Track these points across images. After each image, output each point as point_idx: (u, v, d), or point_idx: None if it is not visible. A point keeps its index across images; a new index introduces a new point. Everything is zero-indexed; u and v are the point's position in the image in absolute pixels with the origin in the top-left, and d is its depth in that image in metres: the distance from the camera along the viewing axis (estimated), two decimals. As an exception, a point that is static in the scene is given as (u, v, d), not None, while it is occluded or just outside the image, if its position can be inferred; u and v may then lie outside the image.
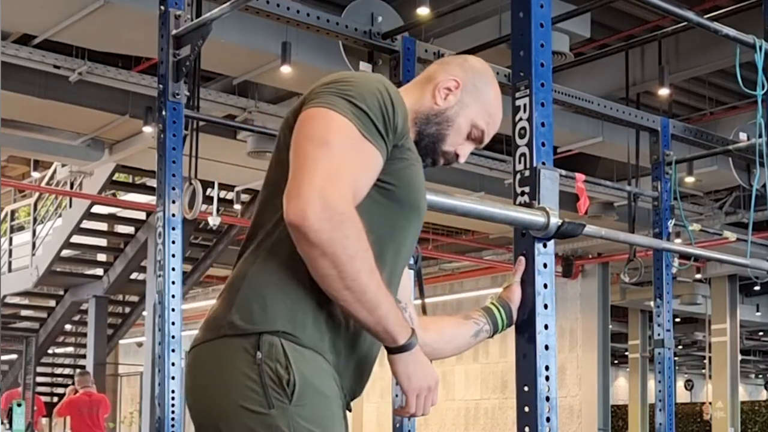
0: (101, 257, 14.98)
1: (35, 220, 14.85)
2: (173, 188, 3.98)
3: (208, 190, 11.91)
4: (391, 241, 1.99)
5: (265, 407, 1.83)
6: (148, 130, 8.65)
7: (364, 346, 2.00)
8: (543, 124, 2.30)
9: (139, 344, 19.13)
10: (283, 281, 1.89)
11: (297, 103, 1.97)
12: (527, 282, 2.24)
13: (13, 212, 16.29)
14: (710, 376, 17.99)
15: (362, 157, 1.86)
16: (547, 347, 2.21)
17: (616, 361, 27.88)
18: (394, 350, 1.89)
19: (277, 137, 2.01)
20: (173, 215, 3.97)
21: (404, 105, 1.97)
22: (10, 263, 15.40)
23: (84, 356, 15.36)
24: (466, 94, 2.11)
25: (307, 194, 1.77)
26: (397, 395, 4.72)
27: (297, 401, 1.84)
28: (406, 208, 2.00)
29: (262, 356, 1.84)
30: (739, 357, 16.79)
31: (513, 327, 2.25)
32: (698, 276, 16.14)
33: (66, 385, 17.45)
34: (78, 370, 13.42)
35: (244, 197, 12.98)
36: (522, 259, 2.24)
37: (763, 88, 3.75)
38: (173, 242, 3.96)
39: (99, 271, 14.61)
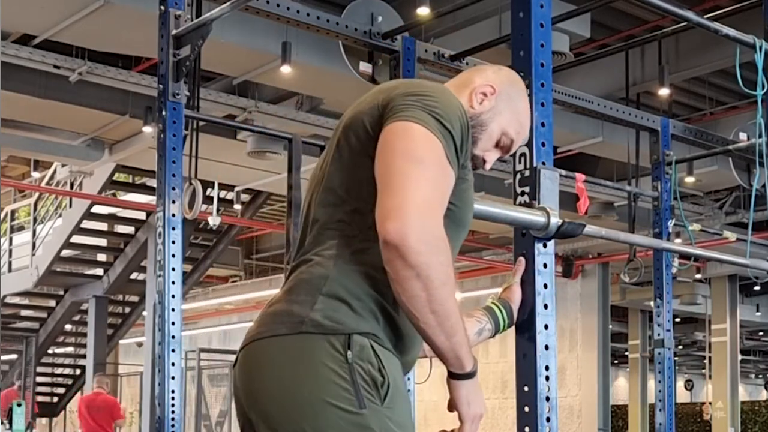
0: (101, 257, 14.97)
1: (35, 220, 14.85)
2: (173, 188, 3.98)
3: (208, 190, 11.90)
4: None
5: (356, 407, 1.82)
6: (148, 130, 8.65)
7: (413, 353, 2.05)
8: (543, 124, 2.30)
9: (139, 344, 19.14)
10: (368, 286, 1.90)
11: (365, 104, 1.97)
12: (527, 282, 2.24)
13: (13, 212, 16.29)
14: (710, 376, 17.99)
15: (447, 180, 1.89)
16: (547, 347, 2.21)
17: (616, 361, 27.89)
18: (460, 376, 1.96)
19: (336, 138, 2.00)
20: (173, 215, 3.97)
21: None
22: (10, 263, 15.40)
23: (84, 356, 15.35)
24: (500, 100, 2.12)
25: (409, 215, 1.78)
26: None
27: (388, 403, 1.86)
28: (461, 227, 2.04)
29: (352, 356, 1.84)
30: (739, 357, 16.79)
31: (513, 327, 2.25)
32: (698, 276, 16.15)
33: (66, 385, 17.49)
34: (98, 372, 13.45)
35: (244, 197, 12.99)
36: (522, 259, 2.24)
37: (763, 88, 3.75)
38: (173, 242, 3.96)
39: (99, 271, 14.61)
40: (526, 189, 2.27)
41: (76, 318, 15.96)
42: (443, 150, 1.87)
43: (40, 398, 16.41)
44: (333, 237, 1.95)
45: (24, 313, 17.01)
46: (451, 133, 1.89)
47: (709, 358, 17.43)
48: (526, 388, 2.21)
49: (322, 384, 1.83)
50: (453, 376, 1.96)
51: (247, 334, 2.00)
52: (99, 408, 10.84)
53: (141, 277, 14.31)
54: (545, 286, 2.24)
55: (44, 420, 18.85)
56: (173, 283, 3.95)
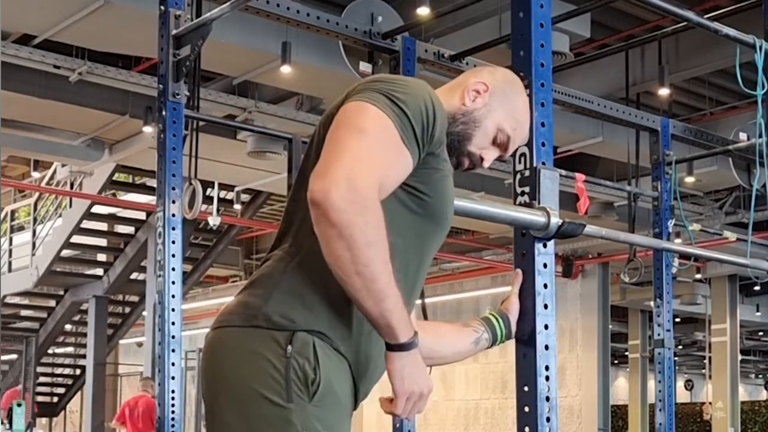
0: (101, 257, 14.98)
1: (35, 220, 14.85)
2: (173, 188, 3.98)
3: (208, 190, 11.90)
4: (417, 250, 2.01)
5: (284, 400, 1.85)
6: (148, 130, 8.65)
7: (374, 352, 2.01)
8: (543, 124, 2.30)
9: (139, 344, 19.13)
10: (324, 282, 1.89)
11: (338, 99, 1.98)
12: (527, 282, 2.24)
13: (13, 212, 16.29)
14: (710, 376, 17.99)
15: (395, 155, 1.87)
16: (547, 347, 2.21)
17: (616, 361, 27.88)
18: (393, 347, 1.87)
19: (314, 134, 2.01)
20: (173, 215, 3.97)
21: (444, 113, 1.99)
22: (10, 263, 15.40)
23: (84, 356, 15.35)
24: (494, 98, 2.11)
25: (334, 174, 1.76)
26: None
27: (316, 401, 1.87)
28: (436, 219, 2.02)
29: (292, 350, 1.86)
30: (739, 357, 16.79)
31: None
32: (698, 276, 16.14)
33: (66, 385, 17.50)
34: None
35: (244, 197, 12.99)
36: (519, 271, 2.24)
37: (763, 88, 3.76)
38: (173, 242, 3.96)
39: (99, 271, 14.61)
40: (526, 189, 2.27)
41: (76, 318, 15.96)
42: (395, 128, 1.86)
43: (40, 398, 16.42)
44: (297, 233, 1.96)
45: (24, 313, 17.01)
46: (406, 115, 1.88)
47: (709, 358, 17.43)
48: (526, 388, 2.21)
49: (258, 376, 1.86)
50: (387, 346, 1.87)
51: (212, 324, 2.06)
52: (142, 411, 10.79)
53: (141, 277, 14.31)
54: (545, 286, 2.24)
55: (44, 420, 18.85)
56: (173, 283, 3.95)
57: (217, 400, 1.93)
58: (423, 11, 6.00)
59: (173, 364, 3.91)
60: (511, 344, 2.23)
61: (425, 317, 2.22)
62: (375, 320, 1.84)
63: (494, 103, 2.11)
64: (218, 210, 12.70)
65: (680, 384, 31.83)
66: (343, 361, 1.93)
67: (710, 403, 16.86)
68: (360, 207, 1.75)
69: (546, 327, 2.22)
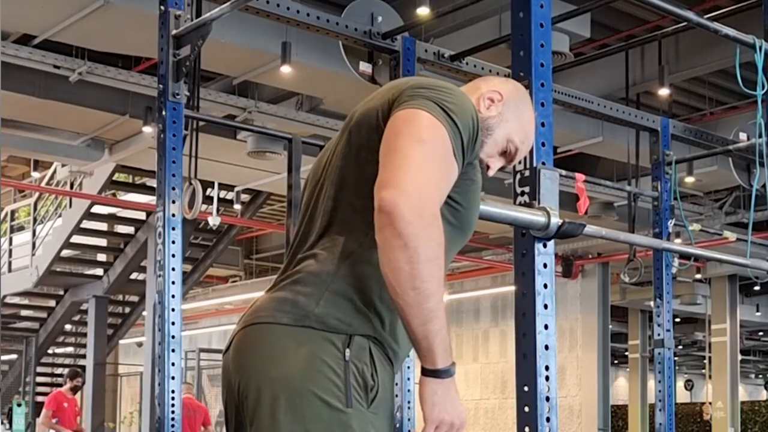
0: (101, 257, 14.97)
1: (35, 220, 14.85)
2: (173, 188, 3.98)
3: (208, 190, 11.91)
4: (447, 260, 2.00)
5: (342, 404, 1.83)
6: (148, 130, 8.65)
7: (404, 355, 2.03)
8: (543, 124, 2.30)
9: (139, 344, 19.13)
10: (376, 289, 1.89)
11: (376, 101, 1.97)
12: (527, 282, 2.24)
13: (13, 212, 16.29)
14: (710, 376, 17.98)
15: (449, 168, 1.87)
16: (547, 347, 2.21)
17: (616, 361, 27.88)
18: (428, 372, 1.85)
19: (346, 133, 2.00)
20: (173, 215, 3.97)
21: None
22: (10, 263, 15.40)
23: (84, 356, 15.35)
24: (507, 108, 2.11)
25: (405, 186, 1.76)
26: (396, 395, 4.73)
27: (373, 408, 1.87)
28: (465, 228, 2.03)
29: (350, 355, 1.85)
30: (739, 357, 16.79)
31: (513, 326, 2.24)
32: (698, 276, 16.14)
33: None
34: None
35: (244, 197, 12.99)
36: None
37: (763, 88, 3.76)
38: (173, 242, 3.96)
39: (99, 271, 14.61)
40: (526, 189, 2.27)
41: (76, 318, 15.96)
42: (448, 139, 1.86)
43: (39, 398, 16.41)
44: (342, 233, 1.94)
45: (24, 313, 17.01)
46: (458, 126, 1.88)
47: (709, 358, 17.43)
48: (526, 388, 2.21)
49: (315, 376, 1.84)
50: (423, 371, 1.86)
51: (243, 317, 2.00)
52: (193, 412, 10.70)
53: (141, 277, 14.31)
54: (545, 286, 2.24)
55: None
56: (173, 283, 3.95)
57: (265, 396, 1.87)
58: (423, 11, 6.00)
59: (173, 364, 3.91)
60: (511, 344, 2.23)
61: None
62: (418, 341, 1.81)
63: (507, 114, 2.11)
64: (218, 210, 12.70)
65: (680, 384, 31.83)
66: (391, 367, 1.95)
67: (710, 403, 16.86)
68: (427, 222, 1.76)
69: (546, 327, 2.22)
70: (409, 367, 4.74)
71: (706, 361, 20.86)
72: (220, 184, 12.02)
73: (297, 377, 1.84)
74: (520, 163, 2.29)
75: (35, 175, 15.41)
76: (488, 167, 2.13)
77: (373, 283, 1.89)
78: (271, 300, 1.96)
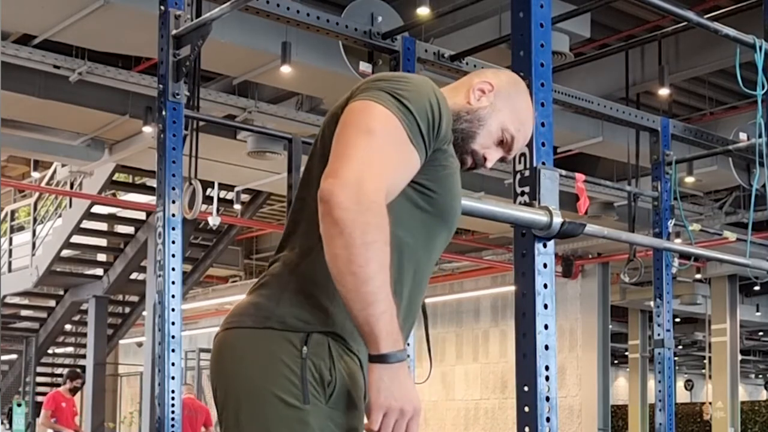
0: (101, 257, 14.97)
1: (35, 220, 14.85)
2: (173, 188, 3.99)
3: (208, 190, 11.91)
4: (426, 248, 2.01)
5: (299, 401, 1.84)
6: (148, 130, 8.65)
7: None
8: (543, 124, 2.30)
9: (139, 344, 19.13)
10: (333, 283, 1.87)
11: (342, 98, 1.98)
12: (527, 282, 2.24)
13: (13, 212, 16.29)
14: (710, 376, 17.99)
15: (403, 155, 1.87)
16: (547, 347, 2.21)
17: (616, 361, 27.88)
18: (374, 358, 1.79)
19: (319, 134, 2.01)
20: (173, 215, 3.97)
21: (449, 110, 1.99)
22: (10, 263, 15.40)
23: (84, 356, 15.35)
24: (499, 98, 2.11)
25: (344, 174, 1.77)
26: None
27: (332, 403, 1.87)
28: (444, 215, 2.02)
29: (307, 351, 1.86)
30: (739, 357, 16.79)
31: (513, 326, 2.25)
32: (698, 276, 16.14)
33: (66, 386, 17.47)
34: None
35: (244, 197, 12.99)
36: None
37: (763, 88, 3.76)
38: (173, 242, 3.96)
39: (99, 271, 14.61)
40: (526, 189, 2.27)
41: (76, 318, 15.96)
42: (401, 127, 1.86)
43: (39, 398, 16.41)
44: (306, 233, 1.95)
45: (24, 313, 17.01)
46: (412, 113, 1.88)
47: (709, 358, 17.43)
48: (526, 388, 2.21)
49: (273, 377, 1.85)
50: (369, 357, 1.80)
51: (221, 323, 2.05)
52: (195, 412, 10.71)
53: (141, 277, 14.31)
54: (545, 286, 2.24)
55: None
56: (173, 283, 3.95)
57: (230, 401, 1.91)
58: (423, 11, 6.00)
59: (173, 364, 3.91)
60: (511, 344, 2.23)
61: (425, 317, 2.22)
62: (360, 325, 1.78)
63: (499, 103, 2.11)
64: (218, 210, 12.71)
65: (680, 384, 31.83)
66: (355, 361, 1.93)
67: (710, 403, 16.86)
68: (364, 207, 1.75)
69: (546, 327, 2.22)
70: (408, 367, 4.74)
71: (706, 361, 20.86)
72: (220, 184, 12.02)
73: (257, 379, 1.87)
74: (520, 162, 2.29)
75: (35, 175, 15.41)
76: (485, 159, 2.12)
77: (331, 279, 1.87)
78: (240, 305, 2.00)
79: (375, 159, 1.80)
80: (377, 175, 1.79)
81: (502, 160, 2.18)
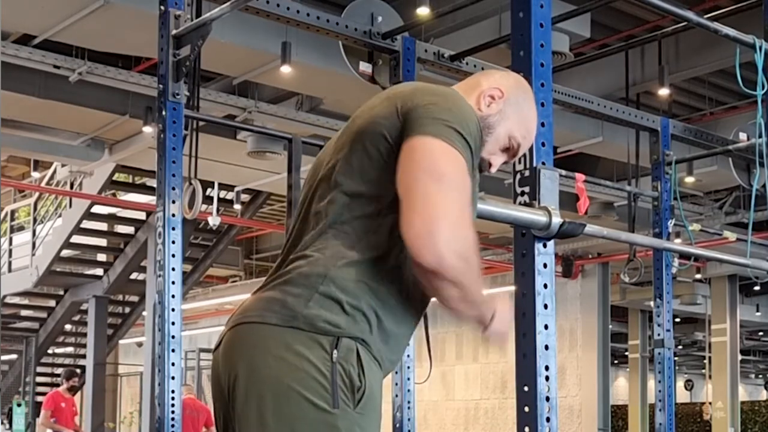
0: (101, 257, 14.98)
1: (35, 220, 14.84)
2: (173, 188, 3.98)
3: (208, 190, 11.90)
4: None
5: (329, 404, 1.85)
6: (148, 130, 8.65)
7: (397, 355, 2.07)
8: (543, 124, 2.30)
9: (139, 344, 19.14)
10: (364, 291, 1.93)
11: (384, 108, 1.99)
12: (527, 282, 2.24)
13: (13, 212, 16.29)
14: (710, 376, 17.99)
15: (467, 191, 1.93)
16: (547, 347, 2.21)
17: (616, 361, 27.88)
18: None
19: (351, 137, 2.01)
20: (173, 215, 3.97)
21: None
22: (10, 263, 15.40)
23: (84, 356, 15.35)
24: (508, 105, 2.12)
25: (440, 241, 1.84)
26: (396, 395, 4.72)
27: (360, 409, 1.89)
28: None
29: (337, 356, 1.87)
30: (739, 357, 16.79)
31: (513, 325, 2.25)
32: (698, 276, 16.14)
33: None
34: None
35: (244, 197, 12.99)
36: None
37: (763, 88, 3.76)
38: (173, 242, 3.96)
39: (99, 271, 14.61)
40: (526, 189, 2.27)
41: (76, 318, 15.96)
42: (464, 163, 1.91)
43: (39, 398, 16.41)
44: (337, 237, 1.95)
45: (24, 313, 17.01)
46: (469, 144, 1.93)
47: (709, 358, 17.43)
48: (526, 388, 2.21)
49: (302, 377, 1.86)
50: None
51: (232, 317, 2.02)
52: (196, 412, 10.69)
53: (141, 277, 14.31)
54: (545, 286, 2.24)
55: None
56: (173, 283, 3.95)
57: (252, 395, 1.90)
58: (423, 11, 6.00)
59: (173, 364, 3.91)
60: (511, 344, 2.23)
61: (425, 317, 2.22)
62: (472, 322, 2.04)
63: (508, 111, 2.12)
64: (218, 210, 12.70)
65: (680, 384, 31.83)
66: (378, 369, 1.96)
67: (710, 403, 16.86)
68: (467, 258, 1.88)
69: (546, 327, 2.22)
70: (409, 367, 4.74)
71: (706, 361, 20.86)
72: (220, 184, 12.02)
73: (284, 377, 1.87)
74: (520, 163, 2.29)
75: (35, 175, 15.41)
76: (490, 164, 2.14)
77: (363, 287, 1.92)
78: (260, 300, 1.98)
79: (457, 209, 1.87)
80: (463, 222, 1.89)
81: (504, 164, 2.20)
